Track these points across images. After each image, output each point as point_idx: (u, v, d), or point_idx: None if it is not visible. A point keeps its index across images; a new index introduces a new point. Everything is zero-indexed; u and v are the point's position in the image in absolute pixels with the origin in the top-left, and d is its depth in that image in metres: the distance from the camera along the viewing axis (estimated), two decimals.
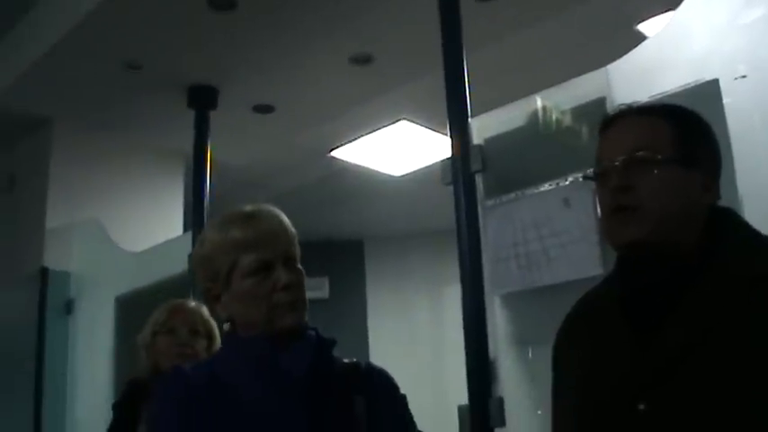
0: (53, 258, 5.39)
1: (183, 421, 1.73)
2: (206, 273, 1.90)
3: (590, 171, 1.64)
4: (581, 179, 1.69)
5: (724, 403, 1.33)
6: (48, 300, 5.32)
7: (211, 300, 1.91)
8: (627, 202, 1.52)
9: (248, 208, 1.92)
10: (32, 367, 5.18)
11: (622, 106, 1.67)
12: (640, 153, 1.54)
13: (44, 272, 5.34)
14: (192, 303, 3.05)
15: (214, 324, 2.94)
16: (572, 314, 1.74)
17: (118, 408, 3.00)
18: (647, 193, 1.51)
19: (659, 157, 1.53)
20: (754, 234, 1.52)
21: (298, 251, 1.91)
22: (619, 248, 1.59)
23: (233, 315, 1.89)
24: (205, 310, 2.98)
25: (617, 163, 1.55)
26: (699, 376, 1.37)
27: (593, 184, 1.65)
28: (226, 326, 1.97)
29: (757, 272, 1.41)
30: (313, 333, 1.89)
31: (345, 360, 1.95)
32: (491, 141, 3.07)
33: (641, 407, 1.40)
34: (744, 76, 2.38)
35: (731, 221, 1.56)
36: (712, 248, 1.48)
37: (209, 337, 2.95)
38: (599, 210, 1.63)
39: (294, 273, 1.86)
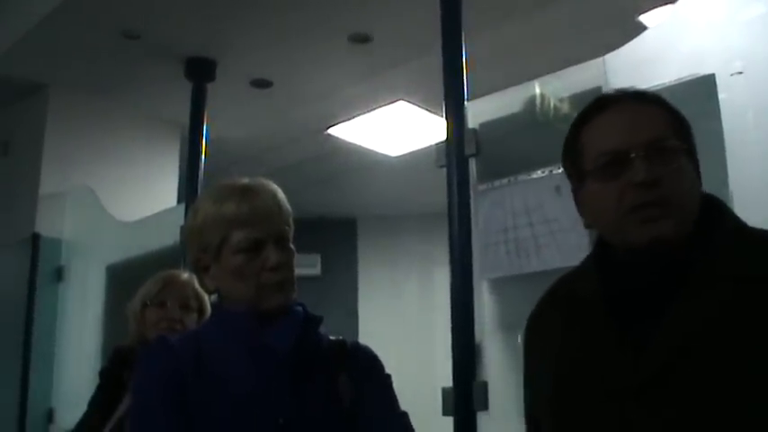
0: (45, 225, 5.39)
1: (167, 393, 1.74)
2: (197, 243, 1.89)
3: (589, 165, 1.50)
4: (593, 169, 1.50)
5: (715, 409, 1.29)
6: (39, 266, 5.33)
7: (200, 270, 1.92)
8: (654, 198, 1.40)
9: (244, 181, 1.91)
10: (21, 333, 5.20)
11: (611, 92, 1.56)
12: (668, 142, 1.44)
13: (36, 238, 5.34)
14: (185, 275, 2.98)
15: (206, 298, 2.89)
16: (547, 300, 1.68)
17: (104, 375, 3.00)
18: (674, 186, 1.41)
19: (681, 145, 1.45)
20: (742, 228, 1.47)
21: (291, 230, 1.91)
22: (643, 247, 1.43)
23: (220, 288, 1.90)
24: (198, 283, 2.95)
25: (633, 155, 1.42)
26: (691, 381, 1.31)
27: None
28: (213, 297, 1.97)
29: (750, 272, 1.36)
30: (300, 309, 1.90)
31: (332, 337, 1.95)
32: (486, 126, 3.08)
33: (632, 413, 1.34)
34: (740, 73, 2.38)
35: (719, 213, 1.48)
36: (702, 243, 1.41)
37: (201, 311, 2.89)
38: (601, 207, 1.49)
39: (285, 253, 1.86)
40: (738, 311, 1.33)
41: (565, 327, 1.56)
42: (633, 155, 1.43)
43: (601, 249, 1.56)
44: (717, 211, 1.48)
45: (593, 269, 1.55)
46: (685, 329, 1.35)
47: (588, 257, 1.59)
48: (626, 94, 1.54)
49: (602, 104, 1.54)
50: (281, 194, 1.92)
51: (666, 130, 1.46)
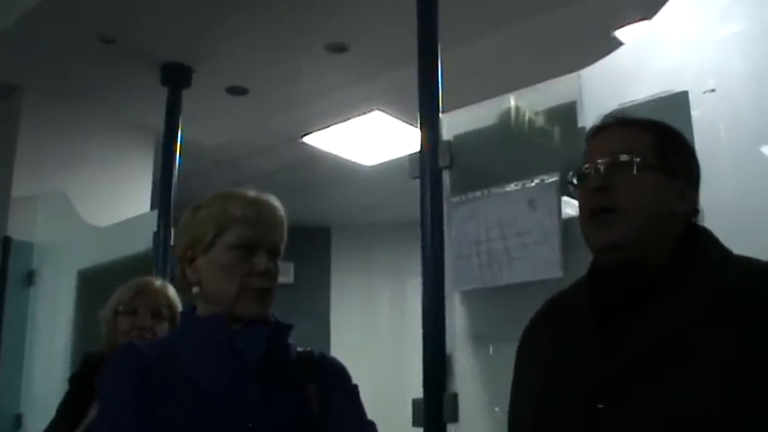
0: (17, 228, 5.34)
1: (135, 396, 1.73)
2: (190, 234, 1.91)
3: (572, 175, 1.68)
4: (569, 179, 1.72)
5: (678, 408, 1.38)
6: (9, 269, 5.29)
7: (185, 261, 1.92)
8: (604, 204, 1.58)
9: (253, 193, 1.95)
10: None
11: (608, 116, 1.71)
12: (621, 156, 1.59)
13: (7, 241, 5.30)
14: (158, 283, 2.98)
15: (178, 307, 2.88)
16: (541, 313, 1.78)
17: (73, 381, 2.97)
18: (625, 195, 1.57)
19: (638, 159, 1.58)
20: (724, 251, 1.58)
21: (282, 249, 1.95)
22: (597, 251, 1.63)
23: (202, 282, 1.89)
24: (171, 291, 2.93)
25: (598, 166, 1.60)
26: (657, 379, 1.42)
27: (557, 188, 1.68)
28: (196, 290, 1.95)
29: (721, 286, 1.47)
30: (271, 317, 1.91)
31: (299, 348, 1.96)
32: (460, 138, 3.08)
33: (600, 405, 1.44)
34: (713, 90, 2.40)
35: (704, 238, 1.61)
36: (683, 261, 1.54)
37: (172, 320, 2.86)
38: (580, 213, 1.66)
39: (274, 263, 1.90)
40: (703, 321, 1.45)
41: (554, 335, 1.68)
42: (598, 166, 1.61)
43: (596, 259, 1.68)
44: (701, 236, 1.61)
45: (588, 278, 1.68)
46: (652, 334, 1.47)
47: (590, 266, 1.70)
48: (615, 118, 1.70)
49: (597, 128, 1.71)
50: (283, 213, 1.98)
51: (634, 146, 1.61)
